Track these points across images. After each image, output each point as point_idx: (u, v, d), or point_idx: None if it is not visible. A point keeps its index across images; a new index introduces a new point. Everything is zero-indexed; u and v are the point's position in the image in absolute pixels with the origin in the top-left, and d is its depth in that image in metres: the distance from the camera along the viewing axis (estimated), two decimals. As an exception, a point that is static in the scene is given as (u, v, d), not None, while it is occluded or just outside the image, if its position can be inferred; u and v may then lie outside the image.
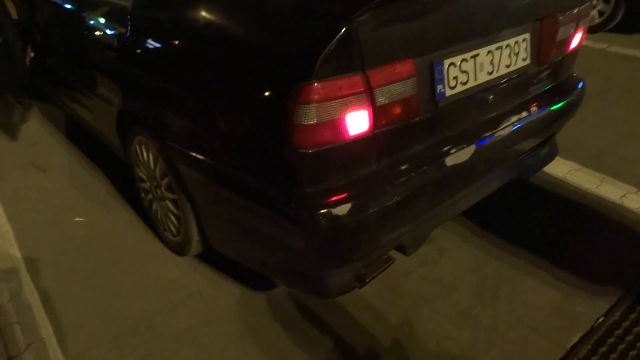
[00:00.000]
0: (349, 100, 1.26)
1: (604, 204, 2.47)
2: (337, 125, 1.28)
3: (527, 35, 1.77)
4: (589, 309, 1.87)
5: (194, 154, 1.63)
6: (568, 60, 2.04)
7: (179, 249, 2.12)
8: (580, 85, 2.14)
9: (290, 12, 1.33)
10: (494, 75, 1.69)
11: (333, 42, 1.17)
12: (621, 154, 2.94)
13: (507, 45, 1.70)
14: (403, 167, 1.48)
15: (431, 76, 1.48)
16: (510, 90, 1.79)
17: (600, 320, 1.83)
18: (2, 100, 2.98)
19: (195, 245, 1.99)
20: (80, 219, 2.47)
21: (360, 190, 1.39)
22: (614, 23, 5.14)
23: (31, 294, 2.01)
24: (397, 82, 1.34)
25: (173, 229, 2.08)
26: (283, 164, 1.34)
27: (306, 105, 1.22)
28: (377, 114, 1.34)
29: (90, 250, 2.25)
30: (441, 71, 1.50)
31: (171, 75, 1.63)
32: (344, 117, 1.28)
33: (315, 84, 1.20)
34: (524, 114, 1.85)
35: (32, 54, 3.19)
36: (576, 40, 1.99)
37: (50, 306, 1.95)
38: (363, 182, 1.41)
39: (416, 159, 1.52)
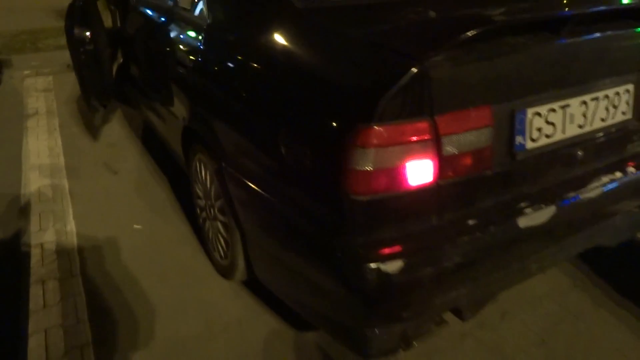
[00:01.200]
0: (412, 147, 1.13)
1: None
2: (396, 174, 1.15)
3: (630, 87, 1.55)
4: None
5: (247, 182, 1.57)
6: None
7: (225, 272, 2.07)
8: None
9: (359, 46, 1.23)
10: (586, 129, 1.48)
11: (399, 82, 1.06)
12: None
13: (606, 96, 1.49)
14: (467, 225, 1.32)
15: (510, 126, 1.31)
16: (603, 147, 1.57)
17: None
18: (88, 103, 3.15)
19: (241, 272, 1.92)
20: (139, 227, 2.50)
21: (415, 246, 1.25)
22: None
23: (79, 297, 2.04)
24: (470, 131, 1.19)
25: (221, 251, 2.03)
26: (333, 209, 1.23)
27: (363, 149, 1.10)
28: (443, 164, 1.19)
29: (142, 259, 2.27)
30: (523, 121, 1.33)
31: (235, 97, 1.59)
32: (405, 165, 1.15)
33: (375, 127, 1.09)
34: (618, 174, 1.61)
35: (121, 60, 3.36)
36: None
37: (93, 312, 1.97)
38: (420, 237, 1.26)
39: (484, 216, 1.35)
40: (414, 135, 1.12)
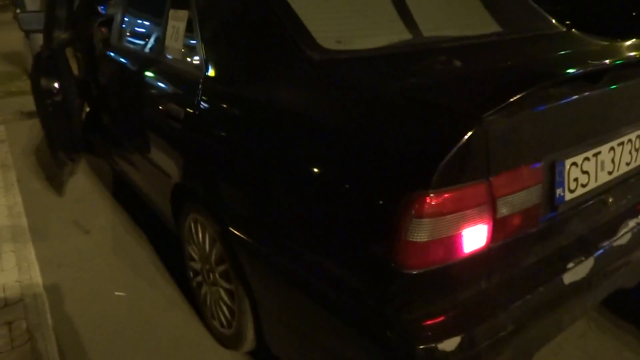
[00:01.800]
0: (469, 213, 1.03)
1: None
2: (451, 243, 1.05)
3: (648, 129, 1.53)
4: None
5: (263, 249, 1.42)
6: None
7: (228, 342, 1.88)
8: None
9: (401, 103, 1.13)
10: (614, 175, 1.44)
11: (459, 145, 0.96)
12: None
13: (629, 141, 1.47)
14: (517, 288, 1.22)
15: (552, 178, 1.24)
16: (628, 191, 1.54)
17: None
18: (54, 157, 2.90)
19: (249, 343, 1.74)
20: (121, 294, 2.27)
21: (470, 319, 1.13)
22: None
23: (60, 385, 1.79)
24: (523, 190, 1.11)
25: (223, 320, 1.84)
26: (380, 283, 1.10)
27: (419, 220, 0.99)
28: (497, 227, 1.10)
29: (129, 330, 2.04)
30: (562, 172, 1.26)
31: (244, 158, 1.45)
32: (461, 233, 1.05)
33: (432, 195, 0.98)
34: (642, 217, 1.58)
35: (87, 109, 3.14)
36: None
37: (80, 402, 1.72)
38: (472, 307, 1.15)
39: (531, 276, 1.26)
40: (471, 200, 1.03)
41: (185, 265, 2.10)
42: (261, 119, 1.42)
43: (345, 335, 1.24)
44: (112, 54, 2.65)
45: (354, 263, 1.16)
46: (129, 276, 2.39)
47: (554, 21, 2.05)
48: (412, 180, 1.00)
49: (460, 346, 1.09)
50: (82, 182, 3.41)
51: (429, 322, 1.10)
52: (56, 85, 2.62)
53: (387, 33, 1.64)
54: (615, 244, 1.47)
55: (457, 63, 1.34)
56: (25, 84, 6.07)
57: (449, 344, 1.08)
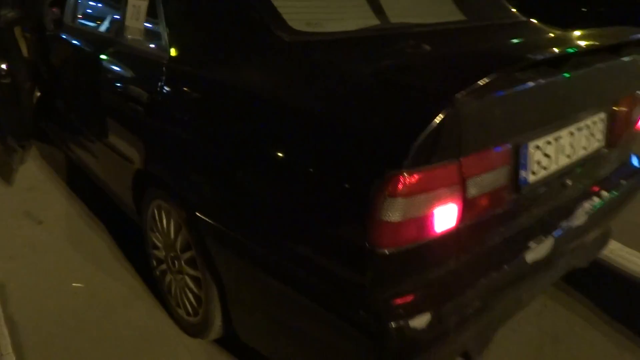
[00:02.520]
0: (440, 193, 1.05)
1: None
2: (423, 222, 1.07)
3: (603, 115, 1.61)
4: None
5: (232, 233, 1.40)
6: (633, 140, 1.89)
7: (194, 331, 1.84)
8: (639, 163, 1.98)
9: (373, 85, 1.14)
10: (573, 159, 1.51)
11: (431, 125, 0.97)
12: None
13: (586, 126, 1.53)
14: (483, 266, 1.26)
15: (516, 161, 1.28)
16: (585, 174, 1.61)
17: None
18: (3, 143, 2.74)
19: (216, 331, 1.72)
20: (79, 285, 2.18)
21: (438, 296, 1.16)
22: None
23: (17, 380, 1.71)
24: (491, 171, 1.14)
25: (189, 308, 1.81)
26: (354, 264, 1.11)
27: (393, 199, 1.00)
28: (466, 207, 1.13)
29: (89, 324, 1.96)
30: (526, 155, 1.31)
31: (212, 141, 1.42)
32: (432, 212, 1.06)
33: (406, 174, 0.99)
34: (596, 199, 1.66)
35: (38, 94, 2.98)
36: (643, 120, 1.84)
37: (39, 397, 1.65)
38: (441, 285, 1.18)
39: (496, 255, 1.30)
40: (443, 180, 1.05)
41: (148, 254, 2.05)
42: (229, 101, 1.39)
43: (317, 316, 1.24)
44: (65, 35, 2.52)
45: (327, 244, 1.16)
46: (87, 267, 2.30)
47: (514, 11, 2.11)
48: (386, 160, 1.00)
49: (430, 323, 1.12)
50: (33, 170, 3.25)
51: (400, 300, 1.12)
52: (3, 66, 2.47)
53: (356, 18, 1.64)
54: (572, 224, 1.54)
55: (426, 47, 1.36)
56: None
57: (420, 321, 1.11)
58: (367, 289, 1.11)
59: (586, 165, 1.60)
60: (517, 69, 1.15)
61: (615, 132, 1.69)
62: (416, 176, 1.00)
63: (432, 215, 1.07)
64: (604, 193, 1.70)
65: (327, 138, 1.13)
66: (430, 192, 1.04)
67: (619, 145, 1.76)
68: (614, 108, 1.64)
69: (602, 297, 2.19)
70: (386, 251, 1.06)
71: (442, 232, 1.12)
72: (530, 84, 1.20)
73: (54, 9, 2.74)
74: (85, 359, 1.81)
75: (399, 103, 1.06)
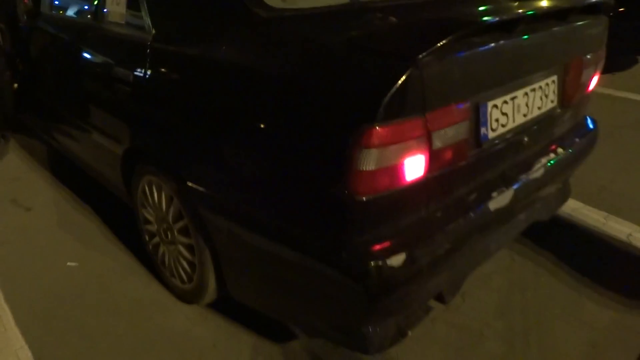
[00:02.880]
0: (409, 144, 1.19)
1: (613, 241, 2.47)
2: (395, 171, 1.20)
3: (555, 78, 1.77)
4: (620, 353, 1.82)
5: (222, 198, 1.52)
6: (585, 101, 2.06)
7: (189, 297, 1.96)
8: (593, 125, 2.16)
9: (345, 50, 1.26)
10: (528, 117, 1.67)
11: (398, 83, 1.11)
12: (618, 190, 2.98)
13: (540, 87, 1.69)
14: (451, 213, 1.41)
15: (477, 118, 1.43)
16: (539, 132, 1.77)
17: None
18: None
19: (210, 293, 1.84)
20: (74, 264, 2.27)
21: (411, 239, 1.31)
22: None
23: (22, 351, 1.80)
24: (453, 125, 1.29)
25: (183, 276, 1.93)
26: (335, 211, 1.24)
27: (367, 150, 1.14)
28: (432, 158, 1.27)
29: (87, 299, 2.06)
30: (485, 113, 1.46)
31: (201, 113, 1.53)
32: (403, 162, 1.20)
33: (377, 128, 1.13)
34: (552, 155, 1.83)
35: (15, 85, 3.00)
36: (594, 81, 2.02)
37: (44, 365, 1.75)
38: (414, 229, 1.33)
39: (462, 203, 1.46)
40: (411, 132, 1.18)
41: (140, 230, 2.15)
42: (211, 74, 1.50)
43: (304, 265, 1.38)
44: (42, 24, 2.56)
45: (310, 197, 1.29)
46: (79, 248, 2.38)
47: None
48: (360, 116, 1.13)
49: (405, 262, 1.26)
50: (14, 161, 3.28)
51: (378, 242, 1.26)
52: (-17, 57, 2.51)
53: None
54: (531, 177, 1.70)
55: (393, 18, 1.49)
56: None
57: (396, 260, 1.25)
58: (348, 233, 1.25)
59: (542, 123, 1.77)
60: (472, 32, 1.29)
61: (567, 93, 1.86)
62: (387, 129, 1.14)
63: (402, 164, 1.21)
64: (559, 150, 1.87)
65: (305, 101, 1.26)
66: (400, 144, 1.17)
67: (572, 106, 1.93)
68: (564, 71, 1.80)
69: (564, 251, 2.39)
70: (364, 198, 1.20)
71: (412, 180, 1.26)
72: (485, 47, 1.35)
73: (25, 1, 2.77)
74: (85, 327, 1.91)
75: (369, 66, 1.19)
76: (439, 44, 1.14)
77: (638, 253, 2.38)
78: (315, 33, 1.39)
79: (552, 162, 1.81)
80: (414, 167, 1.24)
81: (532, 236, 2.48)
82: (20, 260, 2.30)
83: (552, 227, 2.57)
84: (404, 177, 1.23)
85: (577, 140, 2.00)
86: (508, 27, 1.39)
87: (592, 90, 2.08)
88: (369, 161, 1.15)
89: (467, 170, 1.46)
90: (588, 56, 1.88)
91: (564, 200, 2.25)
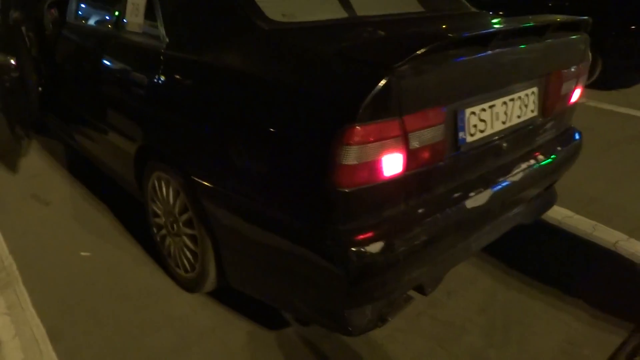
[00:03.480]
0: (386, 143, 1.34)
1: (600, 249, 2.58)
2: (374, 167, 1.35)
3: (535, 89, 1.90)
4: (595, 351, 1.92)
5: (222, 191, 1.67)
6: (569, 113, 2.19)
7: (191, 286, 2.12)
8: (577, 136, 2.28)
9: (333, 59, 1.42)
10: (507, 125, 1.80)
11: (376, 89, 1.26)
12: (610, 202, 3.08)
13: (519, 97, 1.83)
14: (429, 208, 1.55)
15: (454, 123, 1.57)
16: (520, 139, 1.90)
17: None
18: (11, 131, 2.99)
19: (211, 282, 1.99)
20: (87, 254, 2.44)
21: (390, 230, 1.45)
22: (592, 79, 5.48)
23: (38, 329, 1.97)
24: (429, 128, 1.43)
25: (187, 265, 2.08)
26: (319, 202, 1.39)
27: (348, 147, 1.29)
28: (410, 157, 1.41)
29: (98, 285, 2.23)
30: (463, 119, 1.60)
31: (206, 115, 1.69)
32: (381, 159, 1.35)
33: (358, 127, 1.28)
34: (532, 161, 1.95)
35: (39, 89, 3.22)
36: (576, 94, 2.14)
37: (58, 343, 1.91)
38: (393, 221, 1.47)
39: (440, 200, 1.59)
40: (388, 132, 1.33)
41: (149, 223, 2.31)
42: (216, 80, 1.67)
43: (294, 252, 1.52)
44: (66, 33, 2.77)
45: (298, 190, 1.44)
46: (93, 240, 2.56)
47: (468, 5, 2.41)
48: (343, 116, 1.29)
49: (383, 249, 1.40)
50: (36, 160, 3.49)
51: (359, 231, 1.40)
52: (13, 61, 2.72)
53: (326, 11, 1.91)
54: (510, 180, 1.83)
55: (382, 32, 1.64)
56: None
57: (374, 247, 1.39)
58: (332, 222, 1.39)
59: (522, 131, 1.90)
60: (448, 45, 1.44)
61: (548, 104, 1.99)
62: (366, 128, 1.29)
63: (381, 161, 1.35)
64: (540, 157, 2.00)
65: (297, 104, 1.41)
66: (378, 142, 1.32)
67: (553, 116, 2.06)
68: (545, 83, 1.94)
69: (550, 256, 2.50)
70: (346, 190, 1.34)
71: (391, 176, 1.40)
72: (462, 58, 1.49)
73: (52, 11, 2.98)
74: (95, 310, 2.07)
75: (352, 72, 1.34)
76: (414, 55, 1.29)
77: (622, 260, 2.49)
78: (309, 43, 1.55)
79: (532, 167, 1.94)
80: (392, 164, 1.38)
81: (519, 241, 2.60)
82: (38, 249, 2.47)
83: (540, 233, 2.70)
84: (382, 172, 1.37)
85: (559, 149, 2.12)
86: (484, 41, 1.54)
87: (575, 102, 2.21)
88: (350, 157, 1.30)
89: (445, 170, 1.59)
90: (569, 70, 2.02)
91: (548, 205, 2.37)
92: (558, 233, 2.72)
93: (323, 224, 1.41)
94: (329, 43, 1.52)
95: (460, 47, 1.51)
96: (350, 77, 1.34)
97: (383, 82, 1.26)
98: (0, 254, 2.43)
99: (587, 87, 5.53)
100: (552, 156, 2.07)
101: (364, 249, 1.39)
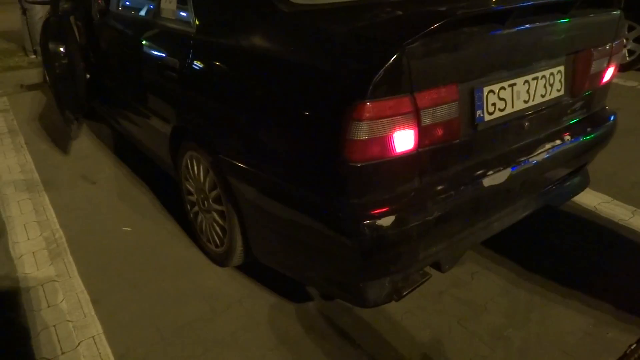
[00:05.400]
0: (397, 119, 1.37)
1: (636, 235, 2.50)
2: (385, 142, 1.39)
3: (561, 68, 1.87)
4: (621, 335, 1.89)
5: (246, 167, 1.76)
6: (600, 93, 2.12)
7: (221, 260, 2.23)
8: (612, 118, 2.21)
9: (346, 38, 1.46)
10: (530, 104, 1.79)
11: (385, 66, 1.30)
12: (652, 188, 2.96)
13: (543, 76, 1.80)
14: (443, 185, 1.57)
15: (471, 101, 1.58)
16: (544, 119, 1.88)
17: (633, 346, 1.84)
18: (63, 115, 3.21)
19: (238, 256, 2.10)
20: (128, 229, 2.61)
21: (403, 205, 1.48)
22: (644, 61, 5.21)
23: (82, 295, 2.14)
24: (441, 105, 1.45)
25: (217, 240, 2.20)
26: (333, 177, 1.45)
27: (359, 122, 1.33)
28: (422, 133, 1.44)
29: (137, 257, 2.39)
30: (481, 97, 1.61)
31: (230, 94, 1.78)
32: (392, 134, 1.39)
33: (368, 103, 1.32)
34: (558, 142, 1.92)
35: (87, 76, 3.43)
36: (609, 74, 2.08)
37: (99, 306, 2.07)
38: (406, 197, 1.50)
39: (455, 178, 1.61)
40: (399, 109, 1.36)
41: (183, 201, 2.45)
42: (240, 62, 1.75)
43: (311, 225, 1.59)
44: (110, 22, 2.94)
45: (315, 165, 1.50)
46: (133, 217, 2.73)
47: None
48: (354, 93, 1.33)
49: (395, 223, 1.44)
50: (85, 143, 3.73)
51: (371, 205, 1.45)
52: (62, 49, 2.91)
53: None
54: (532, 160, 1.81)
55: (398, 11, 1.66)
56: (22, 60, 6.31)
57: (386, 221, 1.44)
58: (345, 196, 1.45)
59: (547, 111, 1.87)
60: (460, 22, 1.45)
61: (577, 83, 1.95)
62: (377, 104, 1.33)
63: (392, 137, 1.39)
64: (567, 137, 1.96)
65: (311, 82, 1.47)
66: (388, 118, 1.36)
67: (583, 96, 2.01)
68: (572, 62, 1.90)
69: (583, 241, 2.45)
70: (358, 164, 1.39)
71: (403, 152, 1.44)
72: (476, 36, 1.50)
73: (99, 1, 3.16)
74: (134, 279, 2.23)
75: (363, 50, 1.38)
76: (423, 32, 1.31)
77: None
78: (326, 24, 1.59)
79: (558, 148, 1.91)
80: (404, 140, 1.42)
81: (550, 224, 2.56)
82: (85, 224, 2.67)
83: (573, 218, 2.64)
84: (394, 148, 1.41)
85: (589, 129, 2.07)
86: (499, 18, 1.53)
87: (609, 83, 2.14)
88: (361, 132, 1.35)
89: (462, 148, 1.61)
90: (599, 48, 1.96)
91: (579, 188, 2.32)
92: (594, 218, 2.65)
93: (337, 197, 1.47)
94: (345, 23, 1.56)
95: (475, 24, 1.51)
96: (361, 54, 1.38)
97: (392, 59, 1.30)
98: (52, 227, 2.64)
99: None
100: (580, 137, 2.02)
101: (376, 222, 1.43)
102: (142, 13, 2.61)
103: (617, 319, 1.96)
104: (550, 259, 2.31)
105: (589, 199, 2.78)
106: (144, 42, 2.43)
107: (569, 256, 2.34)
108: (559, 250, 2.38)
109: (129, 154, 3.44)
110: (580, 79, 1.95)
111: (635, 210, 2.72)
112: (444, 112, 1.47)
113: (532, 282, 2.17)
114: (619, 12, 1.99)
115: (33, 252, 2.43)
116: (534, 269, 2.24)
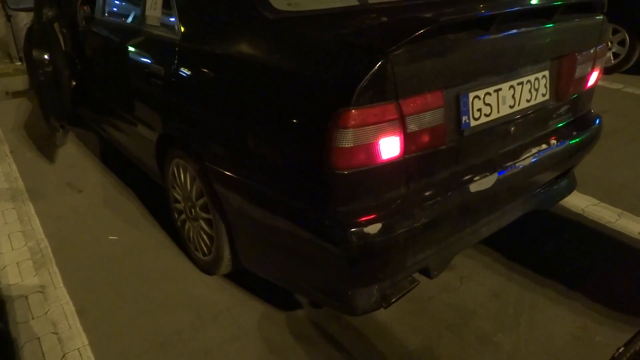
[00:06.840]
0: (382, 126, 1.37)
1: (623, 237, 2.51)
2: (371, 149, 1.38)
3: (546, 73, 1.88)
4: (609, 338, 1.90)
5: (232, 175, 1.74)
6: (585, 97, 2.14)
7: (209, 268, 2.21)
8: (597, 121, 2.23)
9: (331, 45, 1.46)
10: (515, 109, 1.79)
11: (370, 73, 1.29)
12: (638, 190, 2.99)
13: (528, 81, 1.81)
14: (430, 192, 1.57)
15: (457, 107, 1.58)
16: (530, 123, 1.89)
17: (621, 350, 1.84)
18: (48, 123, 3.17)
19: (225, 264, 2.08)
20: (114, 238, 2.58)
21: (389, 212, 1.48)
22: (630, 65, 5.27)
23: (67, 306, 2.11)
24: (427, 112, 1.45)
25: (204, 249, 2.18)
26: (319, 184, 1.44)
27: (344, 130, 1.33)
28: (408, 140, 1.44)
29: (123, 267, 2.35)
30: (466, 103, 1.61)
31: (216, 102, 1.76)
32: (378, 142, 1.38)
33: (353, 110, 1.31)
34: (544, 146, 1.93)
35: (73, 83, 3.39)
36: (593, 78, 2.10)
37: (85, 317, 2.04)
38: (392, 204, 1.49)
39: (442, 184, 1.61)
40: (384, 116, 1.36)
41: (170, 209, 2.42)
42: (224, 69, 1.74)
43: (298, 234, 1.58)
44: (96, 29, 2.91)
45: (301, 173, 1.49)
46: (120, 225, 2.70)
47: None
48: (338, 101, 1.32)
49: (382, 231, 1.44)
50: (72, 150, 3.69)
51: (358, 212, 1.44)
52: (46, 56, 2.88)
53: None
54: (519, 164, 1.82)
55: (384, 18, 1.67)
56: (7, 67, 6.24)
57: (373, 229, 1.43)
58: (331, 203, 1.44)
59: (533, 115, 1.88)
60: (445, 29, 1.45)
61: (561, 88, 1.96)
62: (361, 112, 1.32)
63: (377, 144, 1.38)
64: (552, 141, 1.97)
65: (296, 90, 1.46)
66: (373, 125, 1.35)
67: (568, 100, 2.02)
68: (557, 66, 1.91)
69: (570, 244, 2.46)
70: (344, 172, 1.38)
71: (389, 159, 1.43)
72: (461, 42, 1.50)
73: (84, 8, 3.13)
74: (120, 289, 2.20)
75: (348, 58, 1.37)
76: (407, 39, 1.31)
77: (645, 248, 2.42)
78: (310, 31, 1.59)
79: (544, 152, 1.92)
80: (390, 147, 1.41)
81: (537, 228, 2.57)
82: (71, 233, 2.63)
83: (561, 221, 2.65)
84: (380, 155, 1.40)
85: (574, 133, 2.09)
86: (484, 24, 1.54)
87: (593, 87, 2.16)
88: (347, 140, 1.34)
89: (448, 154, 1.61)
90: (583, 53, 1.98)
91: (567, 191, 2.33)
92: (580, 220, 2.67)
93: (323, 205, 1.45)
94: (329, 30, 1.55)
95: (460, 30, 1.51)
96: (345, 62, 1.37)
97: (377, 66, 1.29)
98: (37, 237, 2.60)
99: (625, 73, 5.35)
100: (566, 141, 2.04)
101: (363, 230, 1.42)
102: (128, 20, 2.59)
103: (605, 322, 1.97)
104: (538, 263, 2.31)
105: (577, 202, 2.80)
106: (129, 49, 2.40)
107: (557, 259, 2.35)
108: (547, 254, 2.39)
109: (115, 161, 3.41)
110: (565, 83, 1.96)
111: (622, 212, 2.74)
112: (430, 118, 1.47)
113: (521, 286, 2.17)
114: (602, 16, 2.00)
115: (17, 263, 2.39)
116: (523, 272, 2.25)
